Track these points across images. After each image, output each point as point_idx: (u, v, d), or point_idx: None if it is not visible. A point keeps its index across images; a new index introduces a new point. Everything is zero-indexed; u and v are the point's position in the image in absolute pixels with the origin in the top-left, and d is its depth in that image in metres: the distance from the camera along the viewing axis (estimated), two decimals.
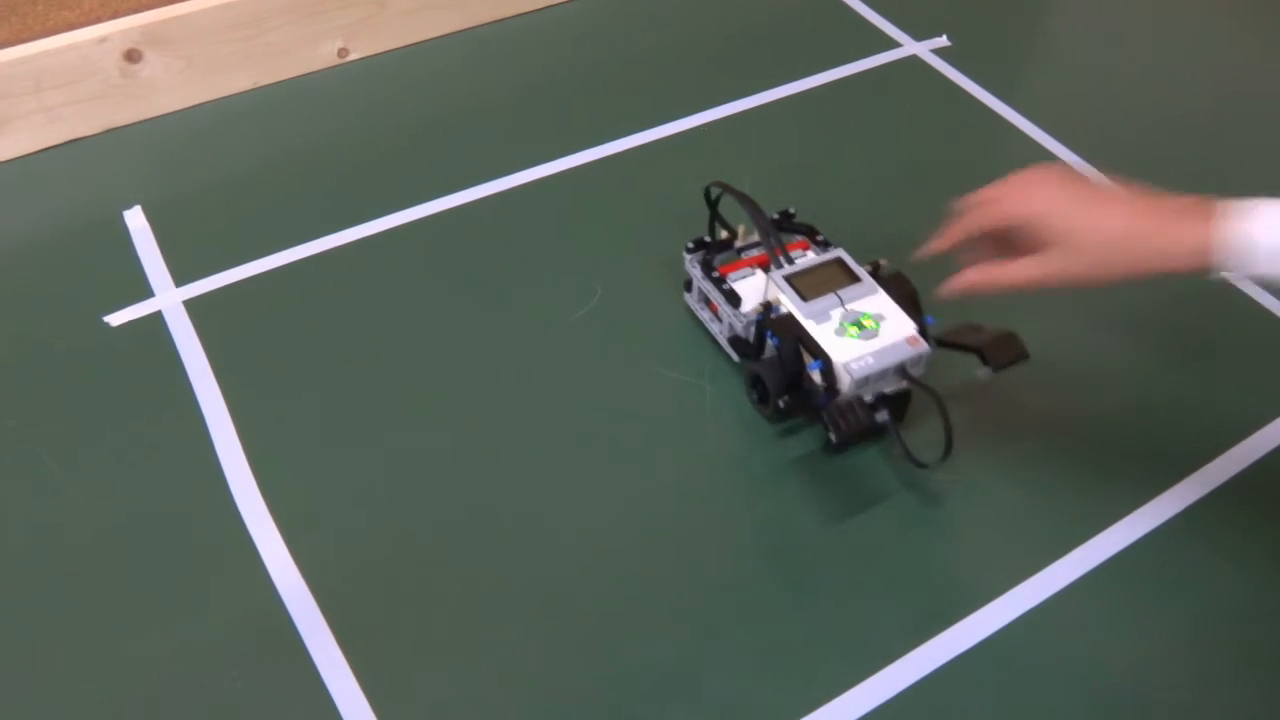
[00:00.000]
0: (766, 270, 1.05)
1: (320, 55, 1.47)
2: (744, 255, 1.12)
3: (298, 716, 0.86)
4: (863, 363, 0.95)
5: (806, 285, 1.01)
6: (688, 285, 1.14)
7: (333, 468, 1.02)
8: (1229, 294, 1.20)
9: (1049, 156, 1.37)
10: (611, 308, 1.17)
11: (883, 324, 0.98)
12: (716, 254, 1.11)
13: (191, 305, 1.16)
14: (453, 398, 1.08)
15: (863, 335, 0.97)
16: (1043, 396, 1.09)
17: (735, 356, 1.08)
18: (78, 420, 1.05)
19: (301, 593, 0.93)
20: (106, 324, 1.14)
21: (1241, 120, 1.45)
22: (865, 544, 0.98)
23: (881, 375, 0.96)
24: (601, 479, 1.02)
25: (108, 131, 1.38)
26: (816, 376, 0.96)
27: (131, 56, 1.34)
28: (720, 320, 1.09)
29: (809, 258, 1.05)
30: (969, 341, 1.00)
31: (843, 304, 0.99)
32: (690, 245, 1.12)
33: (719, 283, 1.07)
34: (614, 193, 1.31)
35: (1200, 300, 1.18)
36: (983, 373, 0.99)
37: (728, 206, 1.13)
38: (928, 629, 0.92)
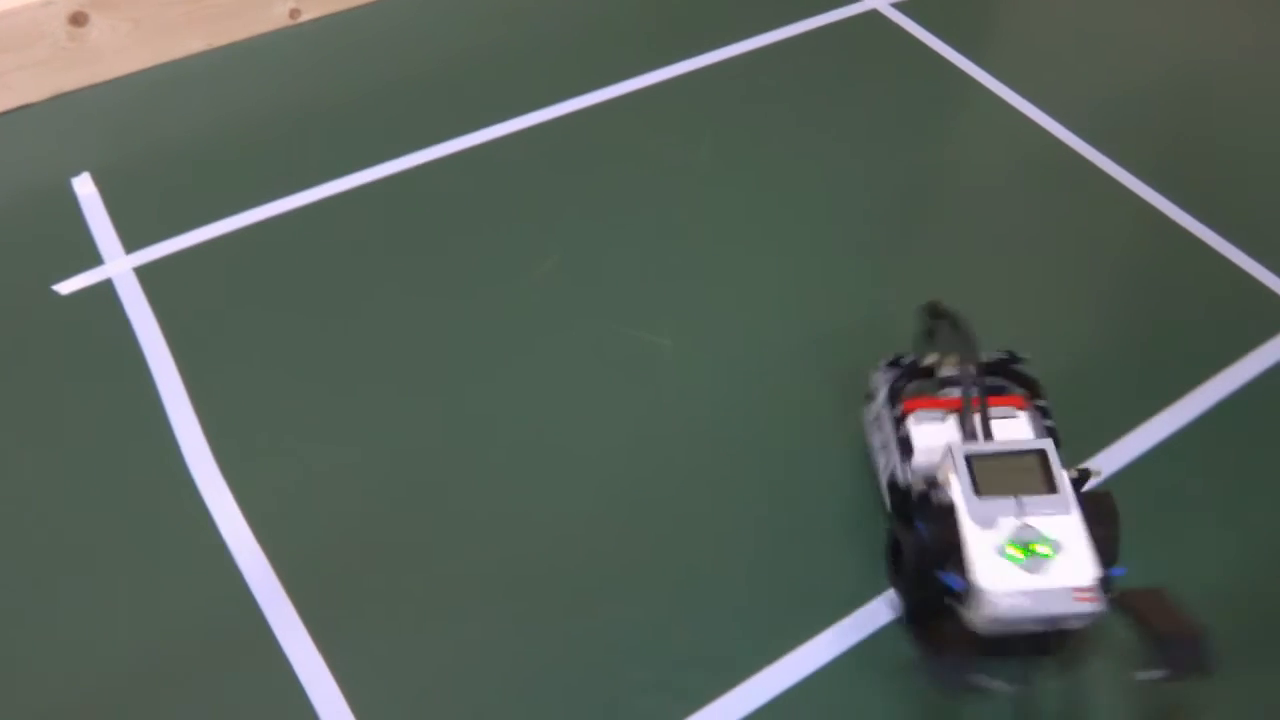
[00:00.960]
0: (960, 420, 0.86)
1: (272, 16, 1.44)
2: (945, 391, 0.92)
3: (259, 690, 0.85)
4: (1012, 601, 0.76)
5: (988, 475, 0.80)
6: (869, 398, 0.98)
7: (292, 439, 1.01)
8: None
9: (1014, 114, 1.36)
10: (570, 270, 1.16)
11: (1058, 557, 0.77)
12: (912, 379, 0.93)
13: (142, 272, 1.14)
14: (417, 366, 1.07)
15: (1027, 564, 0.77)
16: None
17: (888, 503, 0.92)
18: (27, 391, 1.04)
19: (262, 566, 0.92)
20: (56, 292, 1.12)
21: (1209, 75, 1.45)
22: (822, 493, 0.98)
23: (1028, 620, 0.78)
24: (563, 443, 1.01)
25: (56, 97, 1.35)
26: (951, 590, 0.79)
27: (78, 20, 1.31)
28: (885, 456, 0.92)
29: (1009, 435, 0.85)
30: (1152, 622, 0.77)
31: (1020, 514, 0.79)
32: (885, 363, 0.95)
33: (898, 422, 0.89)
34: (572, 153, 1.29)
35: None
36: (1150, 675, 0.76)
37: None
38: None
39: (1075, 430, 0.92)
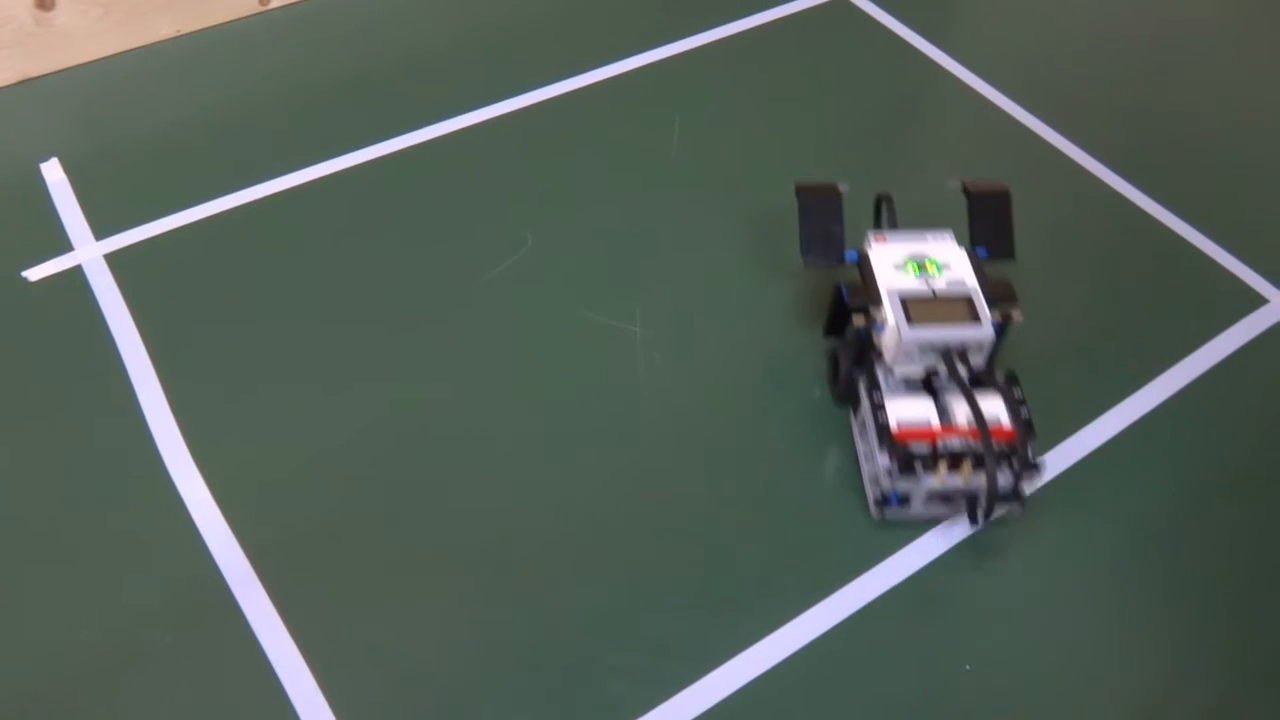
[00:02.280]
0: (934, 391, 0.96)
1: (242, 3, 1.43)
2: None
3: (231, 671, 0.86)
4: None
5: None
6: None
7: (262, 425, 1.01)
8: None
9: (980, 100, 1.37)
10: (541, 255, 1.16)
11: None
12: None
13: (113, 259, 1.14)
14: (385, 351, 1.07)
15: (920, 278, 0.96)
16: None
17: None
18: None
19: (232, 548, 0.92)
20: (25, 279, 1.12)
21: (1170, 61, 1.46)
22: (794, 478, 0.99)
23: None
24: (534, 428, 1.02)
25: (22, 82, 1.34)
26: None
27: (44, 4, 1.30)
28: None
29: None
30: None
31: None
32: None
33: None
34: (542, 140, 1.29)
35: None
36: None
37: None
38: (872, 556, 0.94)
39: (1044, 412, 0.93)
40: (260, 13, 1.45)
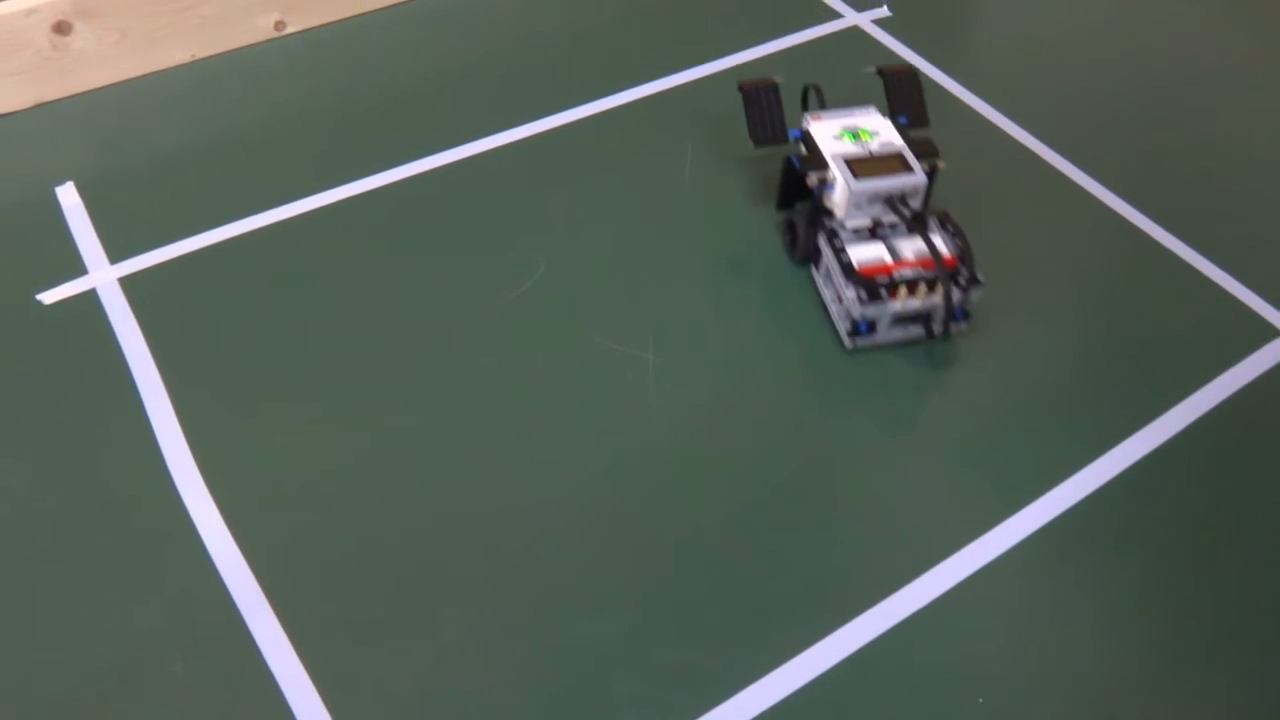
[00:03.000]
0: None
1: (257, 28, 1.44)
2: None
3: (241, 697, 0.85)
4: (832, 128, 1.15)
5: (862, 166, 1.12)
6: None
7: (274, 449, 1.01)
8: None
9: (986, 123, 1.38)
10: (555, 281, 1.17)
11: (876, 138, 1.14)
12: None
13: (127, 282, 1.14)
14: (399, 376, 1.08)
15: (856, 144, 1.13)
16: (992, 362, 1.11)
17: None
18: (9, 400, 1.04)
19: (244, 574, 0.92)
20: (39, 302, 1.12)
21: (1177, 87, 1.47)
22: (812, 511, 0.99)
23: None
24: (546, 455, 1.02)
25: (38, 106, 1.35)
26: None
27: (61, 29, 1.31)
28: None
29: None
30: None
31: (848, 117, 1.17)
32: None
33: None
34: (557, 167, 1.30)
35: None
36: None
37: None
38: (878, 591, 0.93)
39: (1054, 445, 0.93)
40: (275, 39, 1.46)
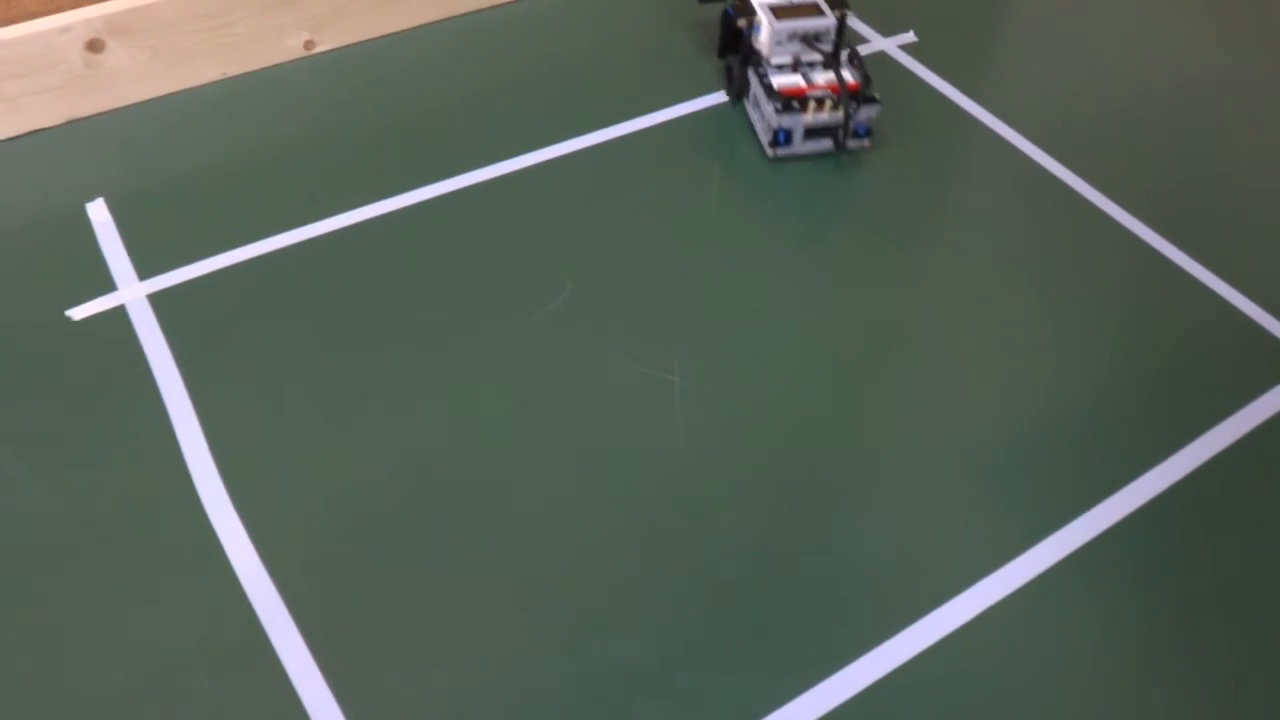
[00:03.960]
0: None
1: (287, 47, 1.45)
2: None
3: (265, 717, 0.86)
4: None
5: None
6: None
7: (301, 466, 1.02)
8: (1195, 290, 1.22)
9: (1009, 148, 1.38)
10: (582, 301, 1.17)
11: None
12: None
13: (156, 299, 1.15)
14: (424, 395, 1.08)
15: None
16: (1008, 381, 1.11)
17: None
18: (39, 416, 1.04)
19: (269, 593, 0.93)
20: (68, 318, 1.13)
21: (1206, 117, 1.47)
22: (834, 538, 0.98)
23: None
24: (573, 476, 1.02)
25: (70, 123, 1.36)
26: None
27: (94, 46, 1.32)
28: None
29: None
30: None
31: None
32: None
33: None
34: (586, 187, 1.30)
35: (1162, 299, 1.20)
36: None
37: None
38: (899, 620, 0.93)
39: (1067, 479, 0.93)
40: (305, 57, 1.47)
